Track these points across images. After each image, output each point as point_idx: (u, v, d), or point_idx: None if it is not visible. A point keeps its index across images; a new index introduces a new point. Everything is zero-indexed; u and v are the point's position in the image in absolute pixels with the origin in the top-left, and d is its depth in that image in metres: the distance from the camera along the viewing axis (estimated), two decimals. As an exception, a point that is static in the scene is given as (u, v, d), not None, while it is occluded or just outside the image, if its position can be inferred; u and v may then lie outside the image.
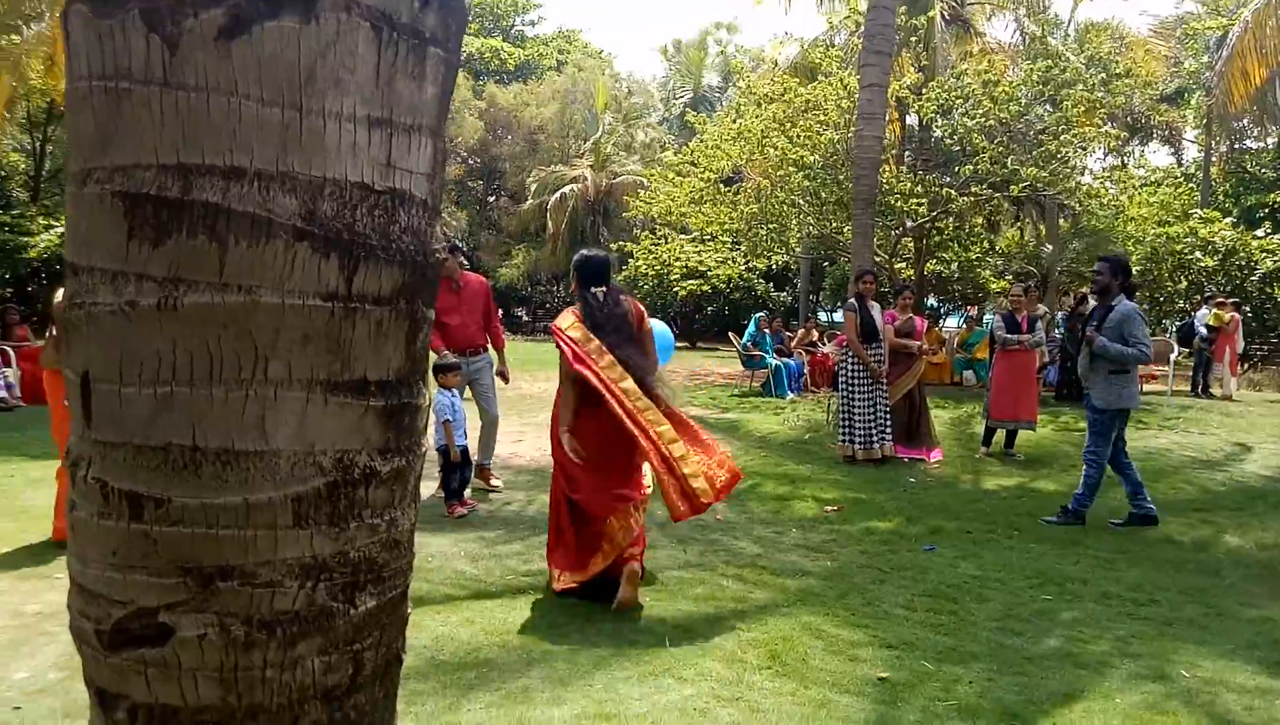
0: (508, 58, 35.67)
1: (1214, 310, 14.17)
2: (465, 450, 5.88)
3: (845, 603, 4.28)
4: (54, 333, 4.65)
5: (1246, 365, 17.91)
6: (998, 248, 20.36)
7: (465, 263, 6.40)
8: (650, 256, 22.93)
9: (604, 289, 4.43)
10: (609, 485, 4.21)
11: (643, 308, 4.58)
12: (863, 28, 11.38)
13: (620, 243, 22.91)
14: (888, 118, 17.96)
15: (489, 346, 6.46)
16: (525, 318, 33.32)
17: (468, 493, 6.01)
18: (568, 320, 4.34)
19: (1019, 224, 21.71)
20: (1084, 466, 6.01)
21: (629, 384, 4.09)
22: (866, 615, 4.11)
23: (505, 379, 6.55)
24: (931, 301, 22.37)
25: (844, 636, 3.84)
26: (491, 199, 34.22)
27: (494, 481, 6.54)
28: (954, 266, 18.77)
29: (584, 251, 4.61)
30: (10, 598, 3.94)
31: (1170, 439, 9.19)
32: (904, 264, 18.35)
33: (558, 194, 26.76)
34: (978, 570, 4.84)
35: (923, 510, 6.19)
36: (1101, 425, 5.95)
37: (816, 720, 3.08)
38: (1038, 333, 8.37)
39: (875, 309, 8.13)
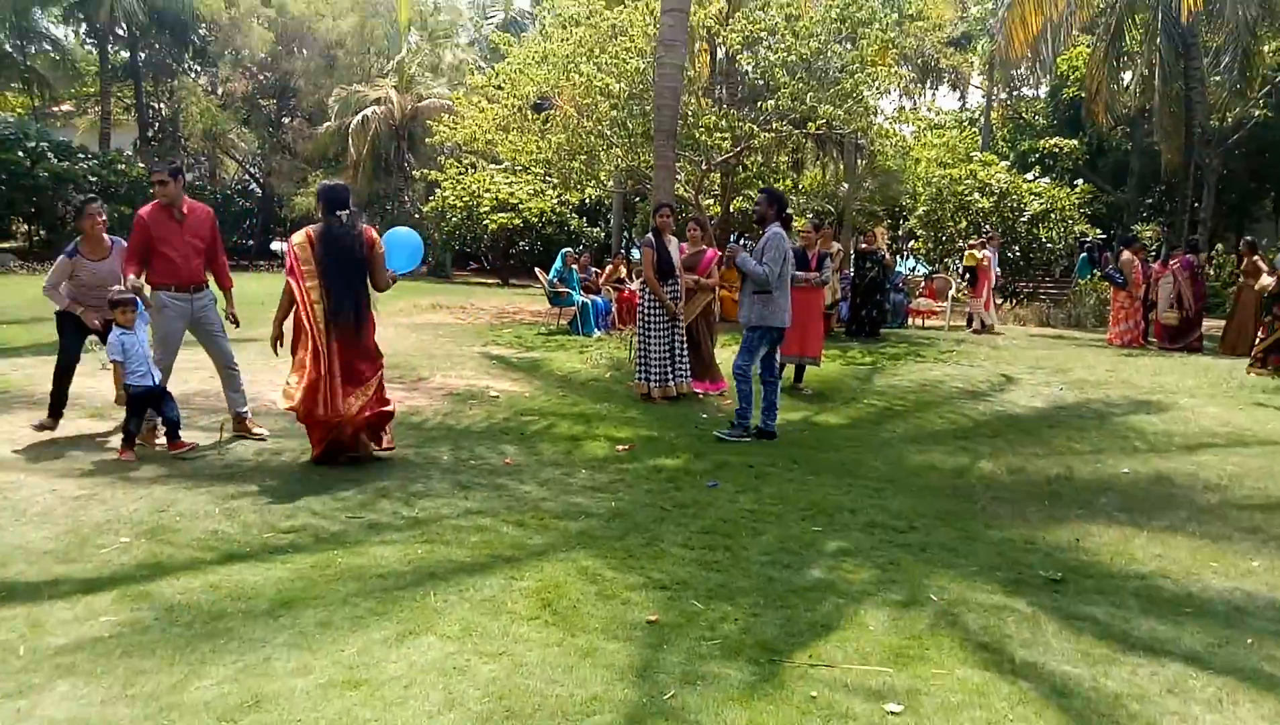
0: (301, -39, 32.86)
1: (968, 251, 15.28)
2: (162, 387, 5.53)
3: (624, 543, 4.24)
4: None
5: (1014, 301, 19.56)
6: (801, 186, 21.05)
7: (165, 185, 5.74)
8: (458, 187, 22.10)
9: (346, 213, 5.26)
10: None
11: (374, 233, 5.44)
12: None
13: (426, 171, 21.91)
14: (699, 49, 18.01)
15: (209, 283, 6.02)
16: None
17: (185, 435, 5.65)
18: (300, 237, 5.25)
19: (821, 162, 22.53)
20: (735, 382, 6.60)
21: (319, 309, 5.16)
22: (644, 556, 4.08)
23: (235, 322, 6.12)
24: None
25: (619, 579, 3.79)
26: (286, 120, 31.77)
27: (256, 430, 6.03)
28: (759, 203, 19.22)
29: (328, 181, 5.34)
30: None
31: (943, 371, 9.84)
32: (711, 200, 18.62)
33: (359, 116, 25.14)
34: (755, 504, 4.94)
35: (711, 446, 6.28)
36: (749, 341, 6.59)
37: (580, 670, 3.00)
38: (826, 271, 8.63)
39: (673, 244, 8.09)
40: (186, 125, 28.32)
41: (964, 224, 18.93)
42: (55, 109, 31.50)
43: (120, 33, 28.14)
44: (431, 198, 23.95)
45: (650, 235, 8.06)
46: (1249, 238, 13.60)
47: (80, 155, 23.35)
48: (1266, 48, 21.55)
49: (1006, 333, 14.61)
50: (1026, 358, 11.07)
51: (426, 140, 21.46)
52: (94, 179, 22.64)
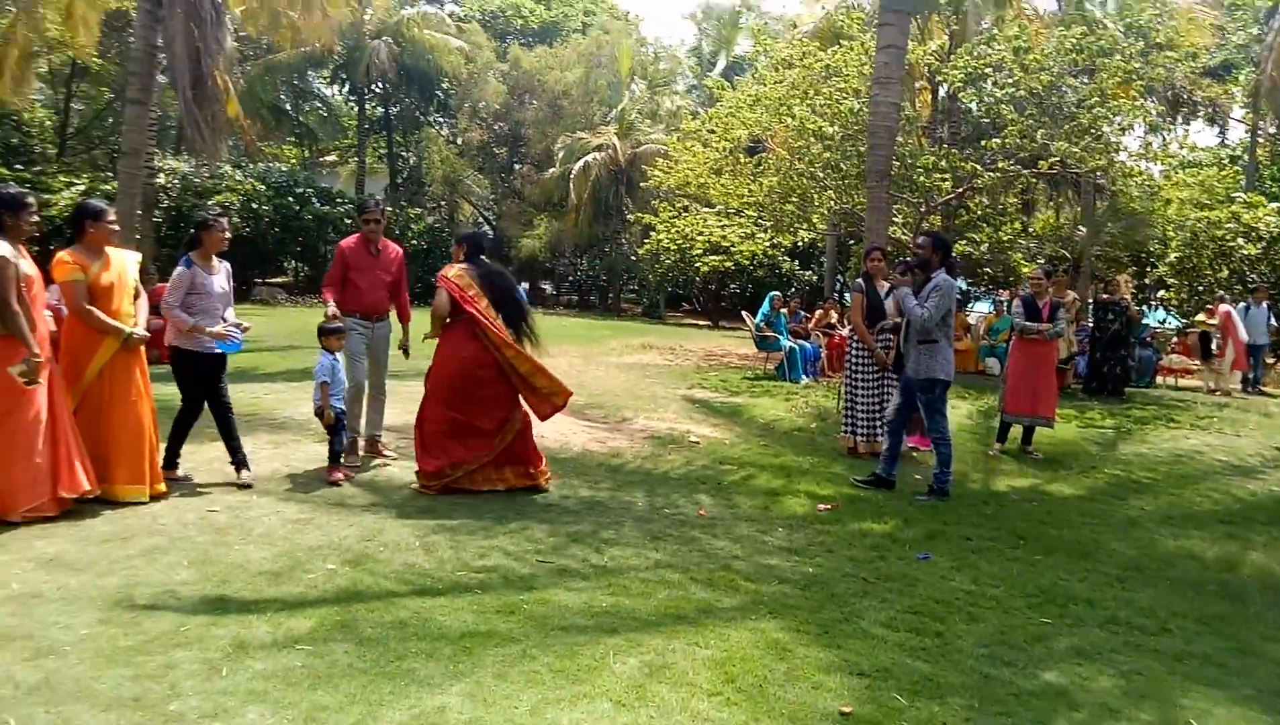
0: (530, 16, 35.00)
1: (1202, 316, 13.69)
2: (340, 416, 5.80)
3: (820, 617, 3.89)
4: None
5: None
6: (1031, 229, 19.65)
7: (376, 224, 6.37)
8: (672, 230, 22.45)
9: (486, 260, 5.81)
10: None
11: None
12: (882, -15, 10.73)
13: (642, 215, 22.40)
14: (920, 87, 17.33)
15: (390, 315, 6.47)
16: (550, 291, 32.87)
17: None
18: (456, 270, 5.66)
19: (1055, 204, 20.94)
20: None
21: (500, 322, 5.57)
22: (841, 634, 3.73)
23: (406, 353, 6.47)
24: (960, 284, 21.69)
25: (811, 658, 3.46)
26: (516, 166, 33.76)
27: (387, 453, 6.39)
28: (984, 248, 18.11)
29: (472, 230, 5.68)
30: None
31: (1203, 440, 8.67)
32: (932, 244, 17.73)
33: (581, 162, 26.22)
34: (972, 584, 4.43)
35: (923, 512, 5.77)
36: (930, 403, 6.14)
37: (763, 763, 2.72)
38: (1059, 322, 7.83)
39: (885, 289, 7.65)
40: (429, 172, 30.72)
41: (1225, 272, 16.89)
42: (322, 159, 35.29)
43: (376, 90, 31.05)
44: (647, 240, 24.46)
45: (861, 280, 7.68)
46: None
47: (339, 200, 25.83)
48: None
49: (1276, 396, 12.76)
50: (1309, 428, 9.57)
51: (642, 184, 22.01)
52: (349, 221, 24.95)
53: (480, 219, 34.78)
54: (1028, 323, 7.81)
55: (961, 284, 21.65)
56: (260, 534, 4.50)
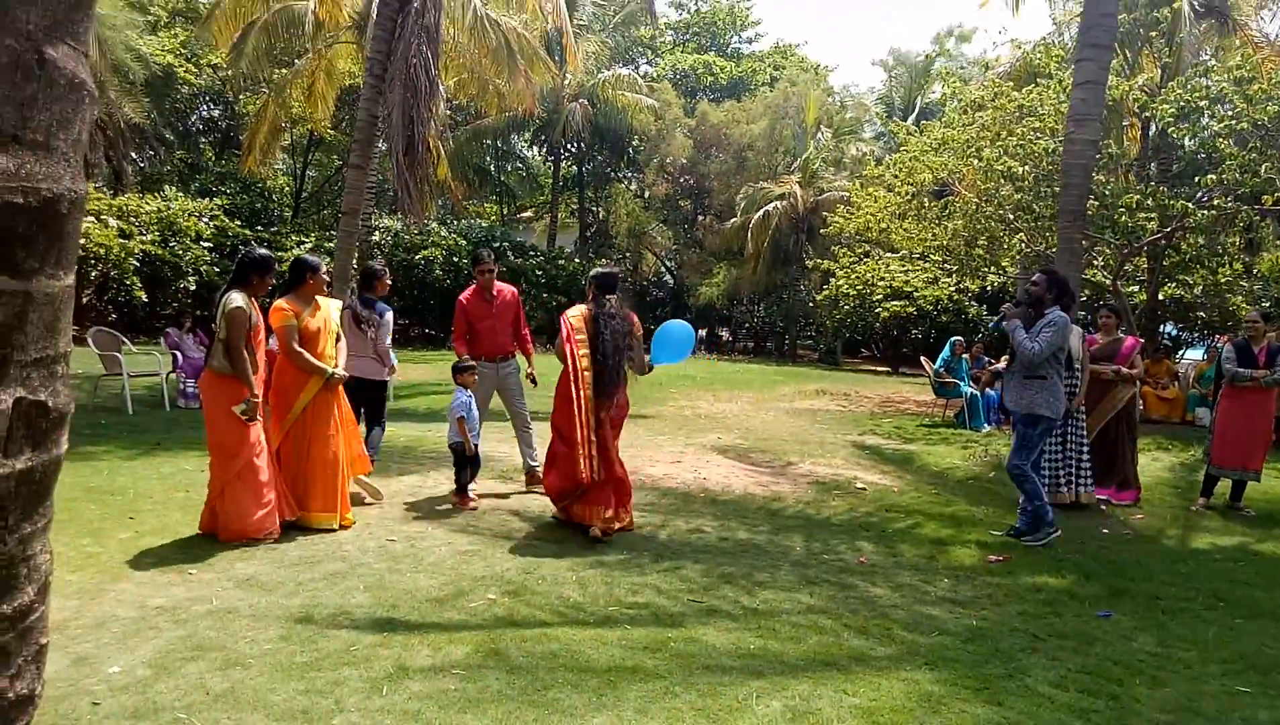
0: (720, 73, 35.77)
1: None
2: (476, 448, 6.18)
3: (982, 672, 3.70)
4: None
5: None
6: (1256, 270, 17.86)
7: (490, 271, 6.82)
8: (851, 275, 22.15)
9: (615, 297, 5.70)
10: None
11: (636, 318, 5.80)
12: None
13: (821, 261, 22.23)
14: (1128, 124, 16.31)
15: (516, 353, 6.90)
16: (727, 337, 33.13)
17: (472, 488, 6.25)
18: (577, 311, 5.69)
19: (1287, 243, 18.94)
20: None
21: (589, 376, 5.50)
22: (1003, 690, 3.53)
23: (534, 382, 6.88)
24: (1169, 329, 19.98)
25: (969, 714, 3.31)
26: (700, 217, 34.40)
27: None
28: (1198, 291, 16.63)
29: (600, 268, 5.84)
30: (142, 589, 4.20)
31: None
32: (1136, 287, 16.51)
33: (761, 211, 26.40)
34: (1159, 647, 4.06)
35: (1107, 568, 5.35)
36: (1024, 437, 5.91)
37: (902, 814, 2.63)
38: (1279, 369, 7.09)
39: (1075, 334, 7.21)
40: (615, 225, 31.89)
41: None
42: (520, 216, 37.45)
43: (571, 149, 32.68)
44: (825, 287, 24.20)
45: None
46: None
47: (531, 252, 27.26)
48: None
49: None
50: None
51: (823, 231, 21.85)
52: (539, 272, 26.26)
53: (663, 268, 35.61)
54: (1240, 369, 7.14)
55: (1171, 329, 19.93)
56: (431, 563, 4.82)
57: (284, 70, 20.80)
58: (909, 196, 15.14)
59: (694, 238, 33.35)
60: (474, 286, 6.80)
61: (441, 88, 21.80)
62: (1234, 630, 4.33)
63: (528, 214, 37.82)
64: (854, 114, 34.84)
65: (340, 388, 5.57)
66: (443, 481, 6.82)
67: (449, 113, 24.93)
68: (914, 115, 35.45)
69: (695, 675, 3.54)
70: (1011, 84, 14.97)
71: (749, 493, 7.05)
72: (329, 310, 5.63)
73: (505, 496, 6.55)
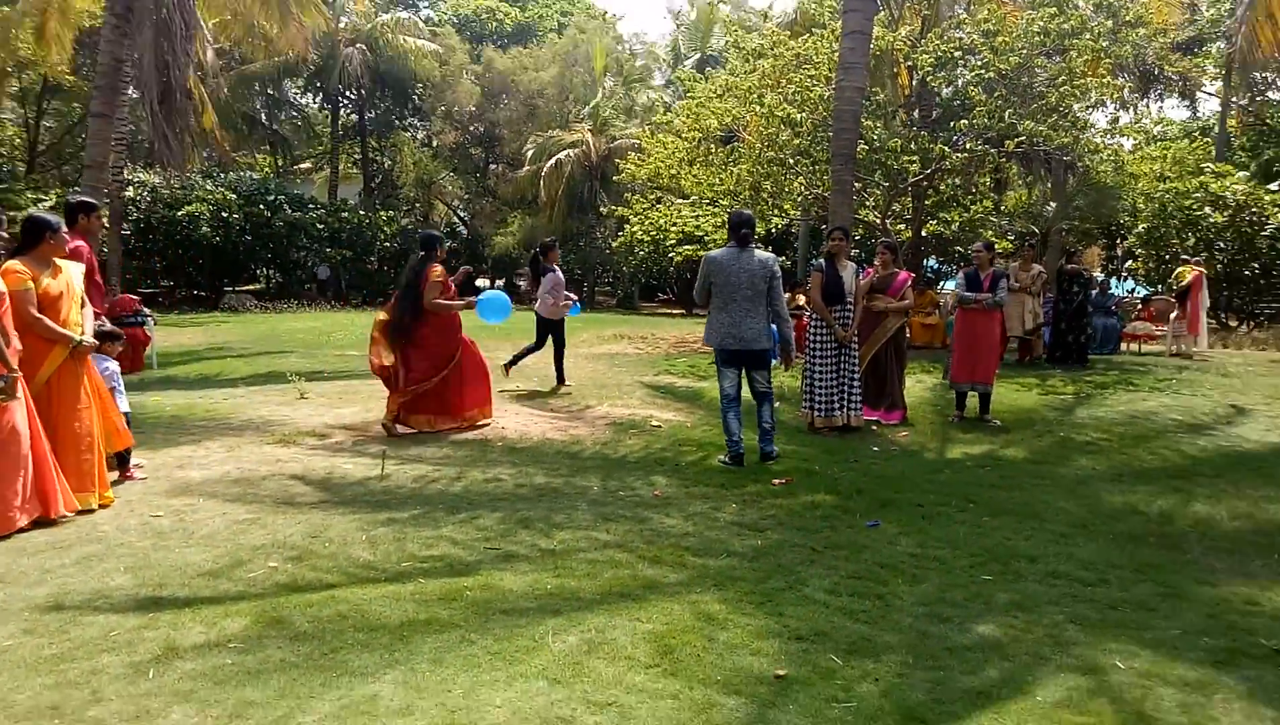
0: (505, 18, 34.94)
1: (1178, 270, 13.77)
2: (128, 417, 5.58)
3: (765, 587, 3.92)
4: None
5: (1251, 324, 17.35)
6: (1003, 207, 19.73)
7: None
8: (645, 222, 22.47)
9: (421, 255, 7.20)
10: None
11: (434, 270, 7.05)
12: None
13: (615, 208, 22.40)
14: (895, 72, 17.41)
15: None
16: (525, 287, 32.93)
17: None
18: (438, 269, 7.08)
19: (1026, 182, 21.04)
20: None
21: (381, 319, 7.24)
22: (783, 601, 3.76)
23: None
24: (931, 262, 21.80)
25: (752, 626, 3.49)
26: (491, 166, 33.70)
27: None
28: (955, 227, 18.20)
29: (431, 231, 5.84)
30: None
31: (1160, 402, 8.74)
32: (903, 225, 17.82)
33: (553, 160, 26.21)
34: (918, 548, 4.47)
35: (877, 482, 5.81)
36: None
37: (691, 726, 2.74)
38: (1000, 292, 7.89)
39: (847, 269, 7.68)
40: (402, 175, 30.66)
41: (1191, 241, 17.02)
42: (296, 167, 35.15)
43: (350, 96, 30.93)
44: (620, 233, 24.49)
45: (821, 260, 7.72)
46: None
47: (310, 206, 25.73)
48: None
49: (1243, 358, 12.88)
50: (1263, 386, 9.65)
51: (615, 178, 22.01)
52: (321, 226, 24.86)
53: (455, 219, 34.74)
54: (966, 293, 7.90)
55: (933, 263, 21.74)
56: (203, 536, 4.49)
57: (5, 8, 18.31)
58: (696, 143, 15.50)
59: (486, 187, 32.71)
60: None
61: (205, 29, 19.95)
62: (981, 528, 4.83)
63: (306, 165, 35.59)
64: (644, 62, 35.12)
65: (89, 358, 5.04)
66: (217, 450, 6.37)
67: (218, 59, 22.89)
68: (693, 63, 36.20)
69: (492, 620, 3.52)
70: (789, 33, 15.59)
71: (547, 438, 7.07)
72: (71, 273, 5.05)
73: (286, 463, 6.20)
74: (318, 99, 32.40)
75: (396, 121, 32.72)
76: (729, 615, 3.59)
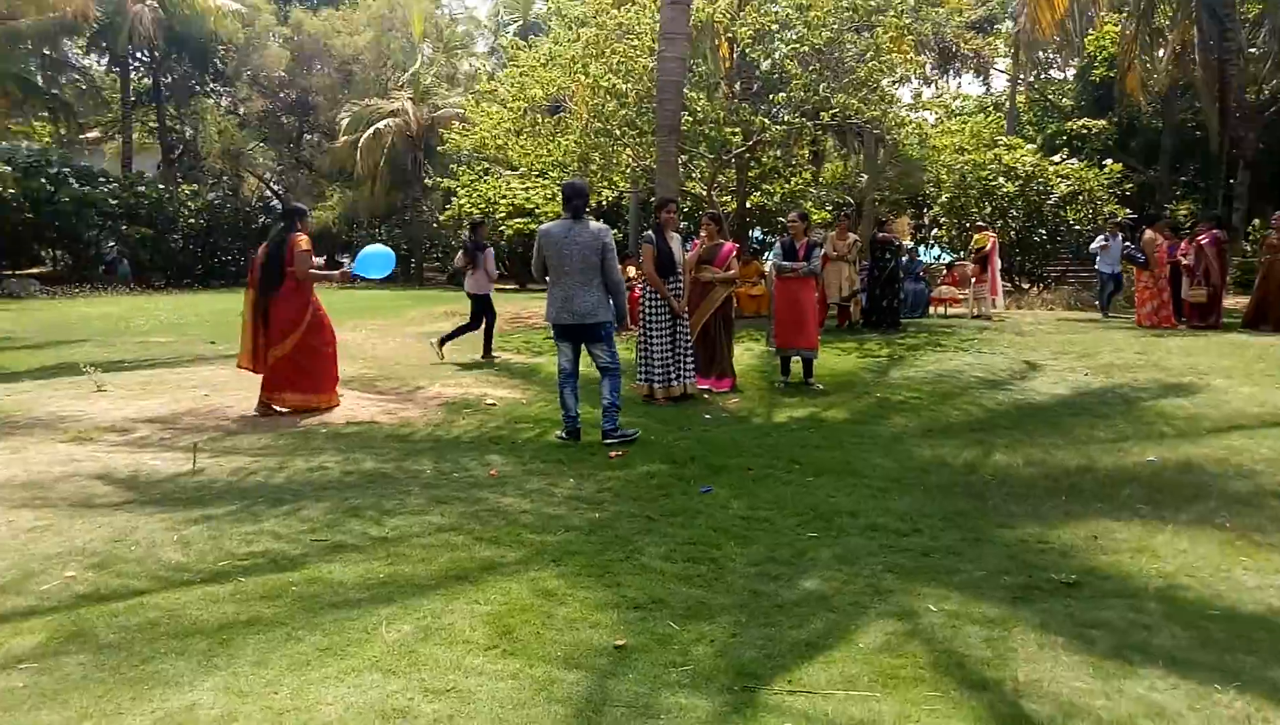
0: (314, -22, 33.13)
1: (976, 237, 14.96)
2: None
3: (602, 559, 3.95)
4: None
5: (1041, 286, 19.02)
6: (821, 179, 20.62)
7: None
8: (474, 194, 21.98)
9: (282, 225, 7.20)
10: None
11: (300, 240, 7.10)
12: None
13: (442, 180, 21.81)
14: (716, 44, 17.72)
15: None
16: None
17: None
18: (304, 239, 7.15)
19: (842, 154, 22.07)
20: None
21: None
22: (621, 572, 3.79)
23: None
24: (757, 233, 22.53)
25: (590, 599, 3.51)
26: (307, 136, 31.96)
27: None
28: (777, 198, 18.85)
29: (297, 203, 6.06)
30: None
31: (963, 360, 9.44)
32: (728, 197, 18.28)
33: (371, 130, 25.15)
34: (748, 510, 4.62)
35: (709, 449, 5.97)
36: None
37: (532, 707, 2.72)
38: (814, 260, 8.27)
39: (675, 240, 7.80)
40: (205, 145, 28.56)
41: (988, 210, 18.42)
42: (83, 137, 32.00)
43: (142, 59, 28.44)
44: (448, 206, 23.86)
45: (651, 232, 7.79)
46: (1280, 213, 13.02)
47: (102, 179, 23.58)
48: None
49: (1034, 318, 14.13)
50: (1052, 343, 10.62)
51: (439, 149, 21.40)
52: (115, 202, 22.84)
53: (268, 192, 32.79)
54: (783, 262, 8.22)
55: (758, 234, 22.48)
56: (-14, 546, 4.05)
57: None
58: (522, 113, 15.25)
59: (301, 158, 31.03)
60: None
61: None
62: (806, 487, 5.06)
63: (94, 134, 32.48)
64: (466, 28, 34.24)
65: None
66: (1, 452, 5.75)
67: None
68: (515, 29, 35.64)
69: (320, 615, 3.37)
70: (612, 1, 15.54)
71: (375, 422, 6.82)
72: None
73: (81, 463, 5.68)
74: (104, 61, 29.60)
75: (197, 87, 30.40)
76: (567, 590, 3.60)
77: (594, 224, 6.16)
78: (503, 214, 22.65)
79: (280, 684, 2.86)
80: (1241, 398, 7.08)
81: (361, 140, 25.22)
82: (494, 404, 7.51)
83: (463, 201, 23.08)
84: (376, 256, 7.58)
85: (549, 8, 16.39)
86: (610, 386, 6.22)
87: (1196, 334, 11.53)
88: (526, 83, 14.79)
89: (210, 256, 27.12)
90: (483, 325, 10.28)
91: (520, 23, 36.82)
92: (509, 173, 22.62)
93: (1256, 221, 18.71)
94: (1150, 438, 6.04)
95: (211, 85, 31.16)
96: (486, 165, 21.76)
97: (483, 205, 22.90)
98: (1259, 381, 7.75)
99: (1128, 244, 14.52)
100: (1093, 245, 15.31)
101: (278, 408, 7.05)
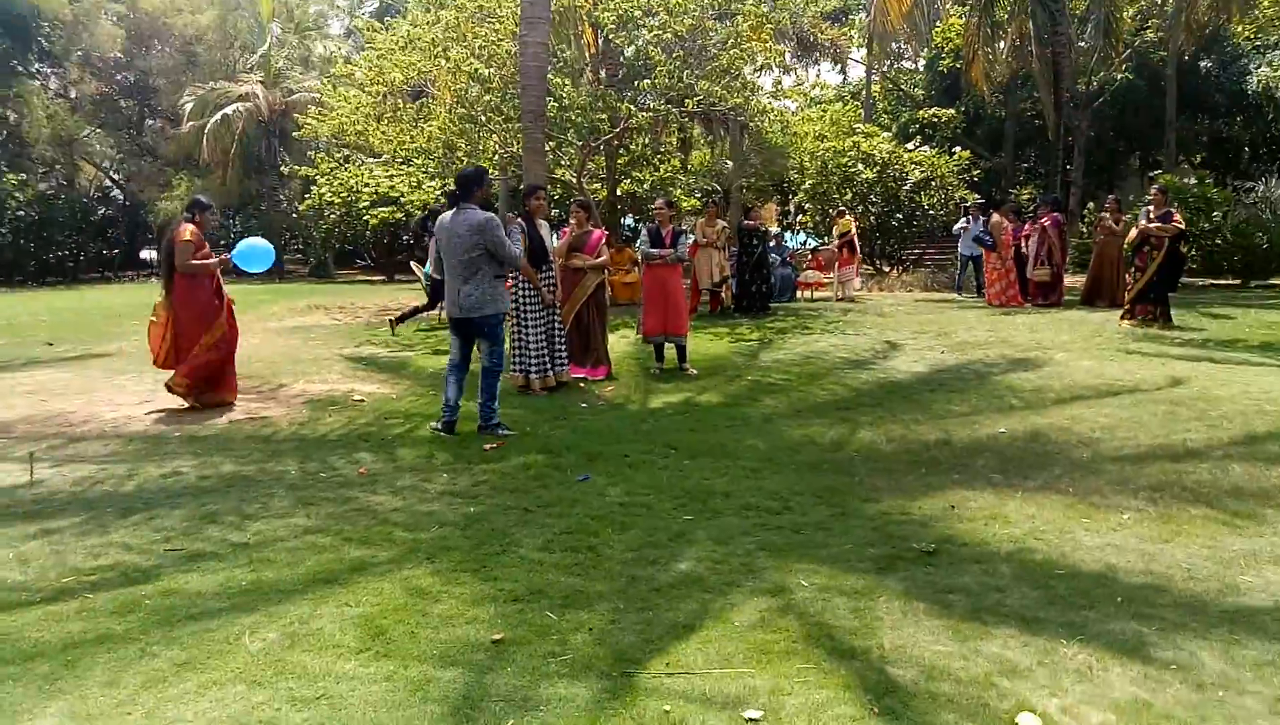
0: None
1: (839, 221, 15.59)
2: None
3: (479, 553, 3.89)
4: None
5: (899, 268, 19.91)
6: (689, 166, 20.89)
7: None
8: (335, 182, 21.23)
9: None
10: None
11: (181, 232, 6.79)
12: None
13: (299, 168, 20.90)
14: (580, 30, 17.63)
15: None
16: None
17: None
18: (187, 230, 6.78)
19: (709, 141, 22.44)
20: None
21: None
22: (498, 565, 3.74)
23: None
24: (629, 221, 22.66)
25: (466, 594, 3.45)
26: (149, 121, 29.99)
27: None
28: (647, 185, 18.99)
29: (198, 195, 5.94)
30: None
31: (829, 342, 9.78)
32: (599, 184, 18.28)
33: (219, 114, 23.84)
34: (626, 496, 4.65)
35: (586, 437, 5.96)
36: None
37: (407, 708, 2.65)
38: (681, 247, 8.38)
39: (545, 228, 7.74)
40: (32, 131, 26.38)
41: (849, 195, 19.11)
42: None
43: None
44: (308, 195, 22.90)
45: (521, 220, 7.69)
46: (1113, 196, 14.09)
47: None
48: (1126, 13, 22.34)
49: (895, 299, 14.78)
50: (911, 323, 11.14)
51: (295, 135, 20.50)
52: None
53: (108, 182, 30.65)
54: (650, 249, 8.29)
55: (630, 221, 22.61)
56: None
57: None
58: (382, 97, 14.78)
59: (143, 145, 29.10)
60: None
61: None
62: (682, 471, 5.12)
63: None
64: (319, 8, 32.79)
65: None
66: None
67: None
68: (372, 10, 34.48)
69: (177, 628, 3.18)
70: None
71: (234, 422, 6.49)
72: None
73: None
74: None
75: (19, 67, 28.00)
76: (443, 587, 3.52)
77: (475, 213, 5.91)
78: (365, 203, 21.93)
79: (134, 704, 2.69)
80: (1081, 370, 7.61)
81: (209, 126, 23.85)
82: (362, 400, 7.27)
83: (323, 190, 22.22)
84: (256, 251, 7.29)
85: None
86: (485, 383, 6.08)
87: (1041, 312, 12.32)
88: (385, 66, 14.32)
89: (44, 251, 25.14)
90: (436, 307, 10.67)
91: (377, 4, 35.58)
92: (371, 160, 21.90)
93: (1091, 205, 20.18)
94: (1001, 410, 6.41)
95: (37, 66, 28.78)
96: (347, 152, 20.98)
97: (344, 194, 22.10)
98: (1096, 354, 8.35)
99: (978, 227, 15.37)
100: (955, 226, 16.12)
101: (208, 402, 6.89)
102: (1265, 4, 19.49)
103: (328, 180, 22.06)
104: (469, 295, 5.89)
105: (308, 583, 3.59)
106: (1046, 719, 2.51)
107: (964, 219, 15.85)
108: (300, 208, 23.49)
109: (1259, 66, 23.70)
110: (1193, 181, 18.25)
